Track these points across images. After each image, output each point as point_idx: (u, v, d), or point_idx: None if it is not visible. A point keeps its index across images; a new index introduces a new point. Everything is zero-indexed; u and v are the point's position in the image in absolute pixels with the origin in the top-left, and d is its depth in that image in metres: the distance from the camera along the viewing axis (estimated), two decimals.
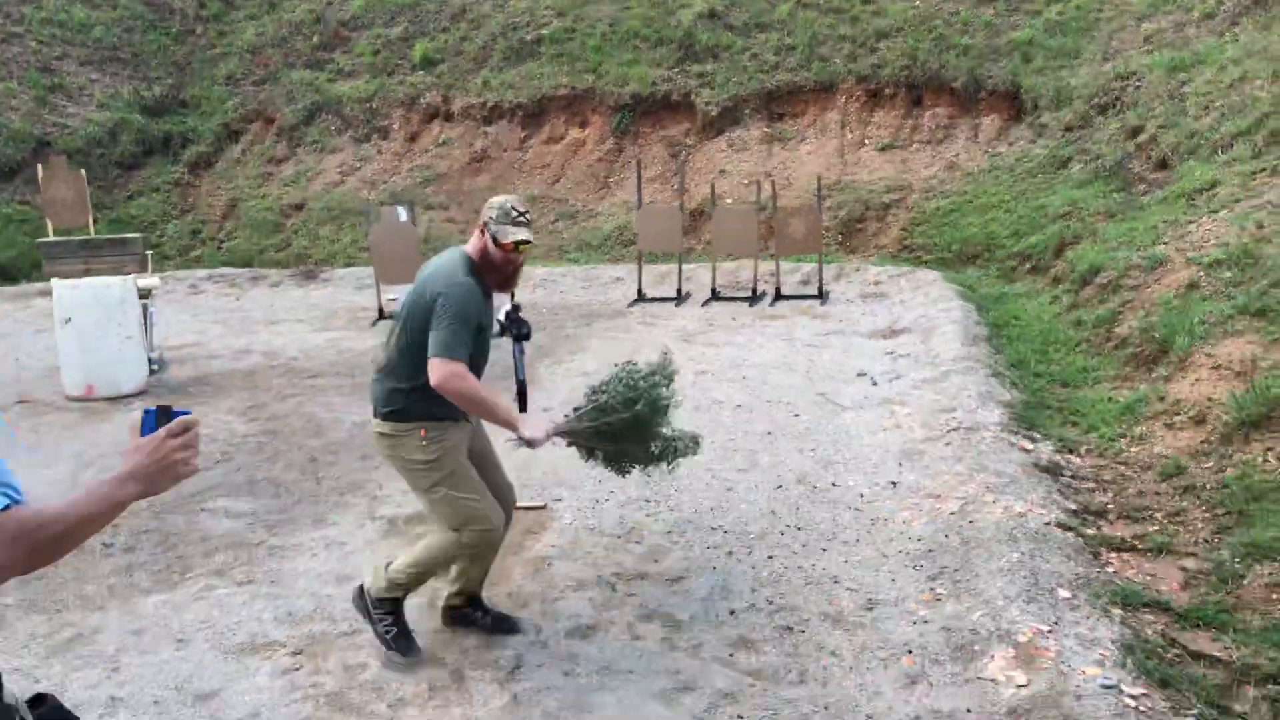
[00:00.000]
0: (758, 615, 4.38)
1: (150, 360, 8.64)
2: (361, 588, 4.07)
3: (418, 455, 3.84)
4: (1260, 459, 5.52)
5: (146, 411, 1.94)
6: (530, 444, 3.88)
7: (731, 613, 4.41)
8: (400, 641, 3.99)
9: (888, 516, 5.35)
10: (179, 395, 8.29)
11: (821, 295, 11.33)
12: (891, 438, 6.58)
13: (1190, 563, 4.84)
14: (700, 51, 16.07)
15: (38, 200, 14.06)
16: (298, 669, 4.04)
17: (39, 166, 12.71)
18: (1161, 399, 6.62)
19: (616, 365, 4.43)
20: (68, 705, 3.76)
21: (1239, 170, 9.23)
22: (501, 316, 4.34)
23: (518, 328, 4.36)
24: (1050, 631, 3.99)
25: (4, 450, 7.02)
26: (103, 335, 8.06)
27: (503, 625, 4.26)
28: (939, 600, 4.40)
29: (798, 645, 4.12)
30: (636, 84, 15.85)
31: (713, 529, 5.27)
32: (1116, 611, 4.24)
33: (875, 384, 7.83)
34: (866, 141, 14.74)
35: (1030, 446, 6.23)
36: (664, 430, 4.39)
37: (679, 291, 11.77)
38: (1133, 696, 3.55)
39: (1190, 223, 8.78)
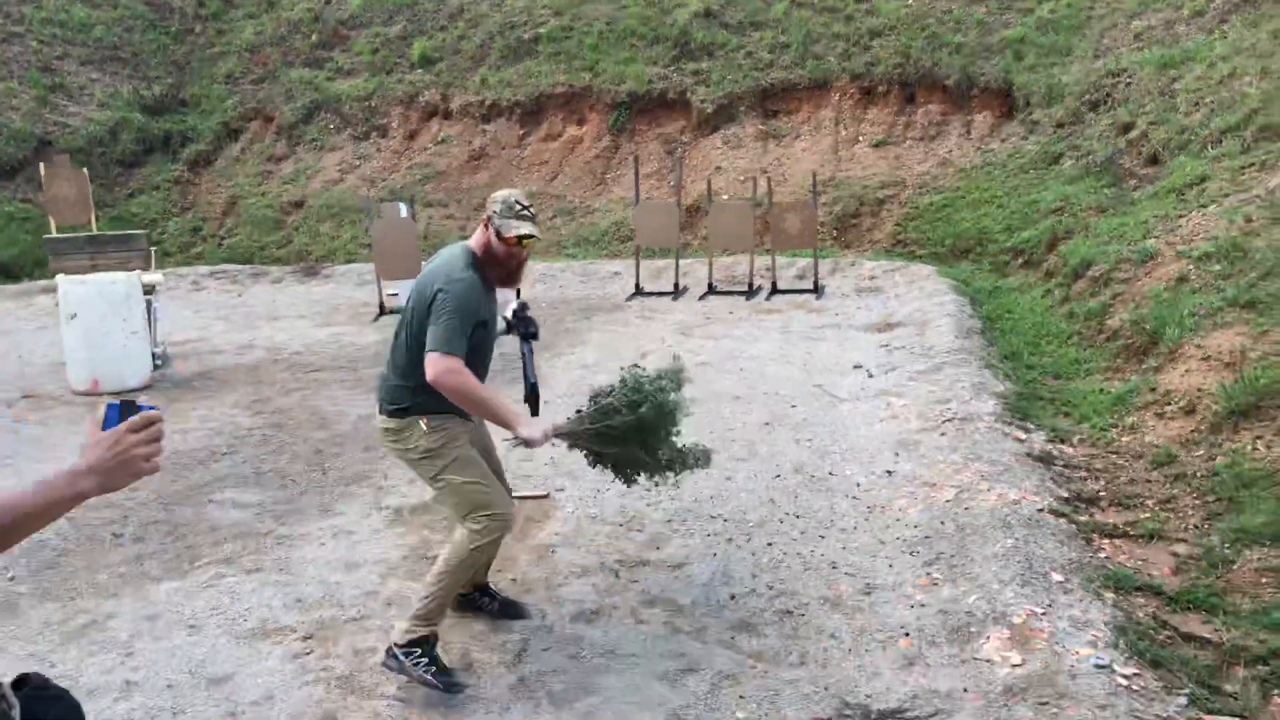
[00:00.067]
0: (758, 600, 4.48)
1: (154, 355, 8.72)
2: (389, 649, 3.82)
3: (421, 443, 3.84)
4: (1249, 447, 5.63)
5: (109, 405, 1.90)
6: (528, 444, 3.84)
7: (732, 597, 4.51)
8: (444, 678, 3.76)
9: (884, 504, 5.46)
10: (183, 390, 8.38)
11: (817, 290, 11.44)
12: (887, 428, 6.69)
13: (1181, 548, 4.95)
14: (696, 50, 16.17)
15: (39, 198, 14.14)
16: (308, 653, 4.13)
17: (41, 165, 12.79)
18: (1152, 389, 6.73)
19: (623, 368, 4.34)
20: (83, 689, 3.88)
21: (1228, 165, 9.34)
22: (509, 314, 4.31)
23: (525, 326, 4.31)
24: (1044, 614, 4.09)
25: (4, 440, 7.12)
26: (108, 330, 8.14)
27: (510, 610, 4.36)
28: (935, 584, 4.51)
29: (797, 628, 4.22)
30: (633, 82, 15.94)
31: (712, 517, 5.37)
32: (1109, 595, 4.35)
33: (871, 376, 7.94)
34: (860, 138, 14.85)
35: (1024, 436, 6.34)
36: (674, 439, 4.29)
37: (676, 286, 11.87)
38: (1125, 676, 3.66)
39: (1180, 217, 8.89)
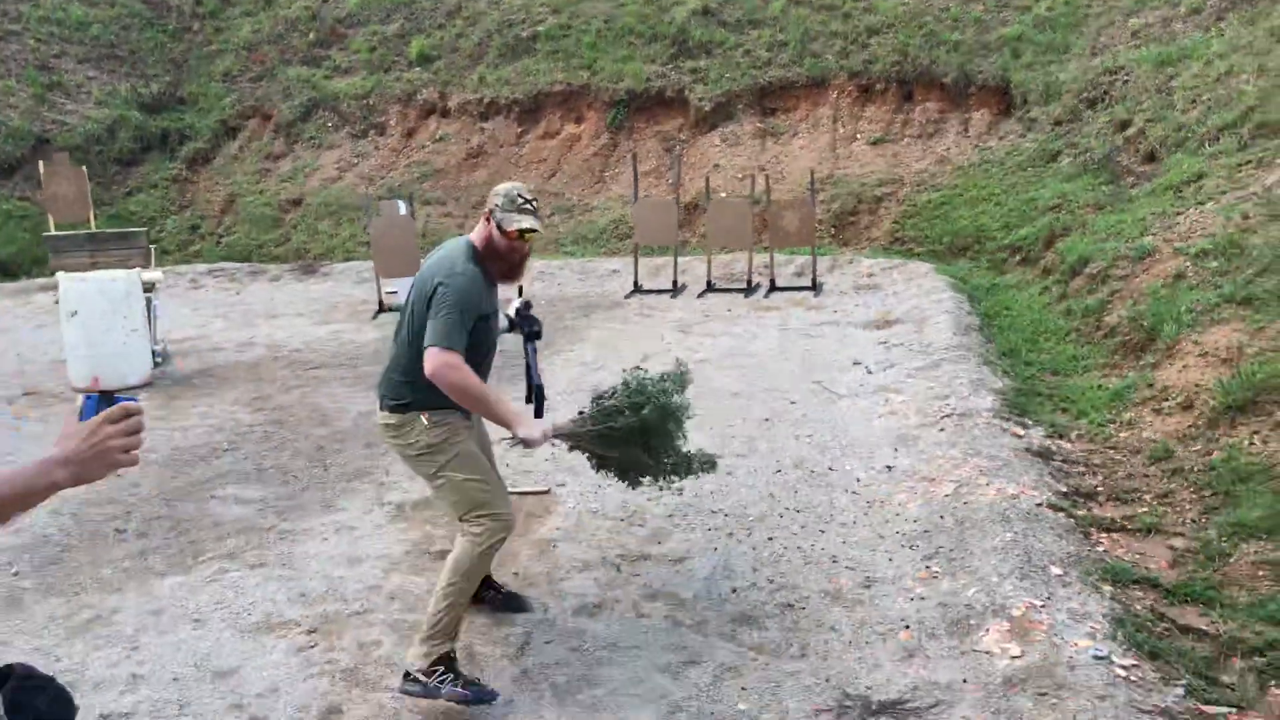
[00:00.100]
0: (759, 593, 4.51)
1: (154, 353, 8.74)
2: (407, 675, 3.66)
3: (421, 439, 3.78)
4: (1246, 442, 5.67)
5: (87, 398, 1.88)
6: (526, 444, 3.78)
7: (733, 591, 4.54)
8: (476, 690, 3.65)
9: (884, 499, 5.49)
10: (184, 387, 8.40)
11: (815, 287, 11.46)
12: (886, 424, 6.72)
13: (1178, 542, 4.99)
14: (694, 48, 16.19)
15: (38, 196, 14.15)
16: (313, 646, 4.16)
17: (40, 163, 12.80)
18: (1150, 385, 6.76)
19: (625, 370, 4.29)
20: (89, 683, 3.90)
21: (1225, 163, 9.37)
22: (511, 313, 4.25)
23: (528, 325, 4.23)
24: (1043, 606, 4.13)
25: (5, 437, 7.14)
26: (108, 328, 8.15)
27: (512, 604, 4.38)
28: (935, 578, 4.54)
29: (798, 621, 4.25)
30: (631, 80, 15.96)
31: (713, 512, 5.39)
32: (1107, 588, 4.38)
33: (870, 372, 7.97)
34: (858, 136, 14.88)
35: (1022, 432, 6.37)
36: (679, 443, 4.24)
37: (675, 283, 11.89)
38: (1123, 667, 3.69)
39: (1178, 214, 8.93)
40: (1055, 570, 4.46)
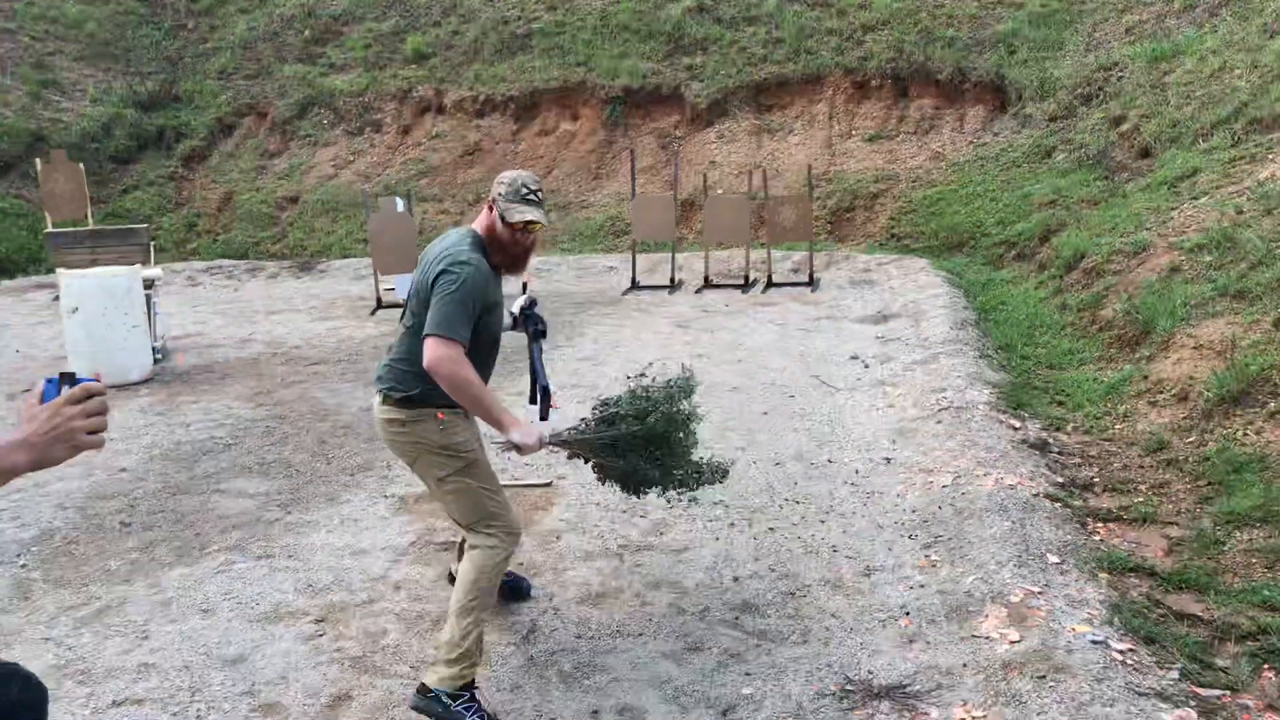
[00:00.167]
0: (760, 582, 4.57)
1: (154, 349, 8.78)
2: (425, 691, 3.53)
3: (435, 438, 3.63)
4: (1240, 433, 5.74)
5: (48, 380, 1.83)
6: (520, 450, 3.61)
7: (735, 580, 4.60)
8: None
9: (883, 490, 5.56)
10: (184, 383, 8.43)
11: (812, 282, 11.53)
12: (884, 417, 6.79)
13: (1173, 531, 5.06)
14: (689, 44, 16.26)
15: (34, 194, 14.17)
16: (321, 635, 4.21)
17: (37, 160, 12.82)
18: (1145, 378, 6.83)
19: (630, 377, 4.18)
20: (101, 671, 3.95)
21: (1219, 158, 9.46)
22: (515, 311, 4.10)
23: (533, 324, 4.09)
24: (1041, 593, 4.19)
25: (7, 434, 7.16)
26: (110, 324, 8.18)
27: (515, 591, 4.40)
28: (934, 566, 4.60)
29: (800, 609, 4.31)
30: (627, 77, 16.02)
31: (714, 503, 5.44)
32: (1103, 575, 4.45)
33: (867, 366, 8.03)
34: (854, 132, 14.95)
35: (1019, 424, 6.44)
36: (687, 452, 4.09)
37: (673, 279, 11.94)
38: (1120, 651, 3.75)
39: (1172, 209, 9.01)
40: (1053, 558, 4.52)
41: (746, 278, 11.80)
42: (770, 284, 11.66)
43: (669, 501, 4.42)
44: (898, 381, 7.52)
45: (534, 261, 13.02)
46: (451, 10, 18.03)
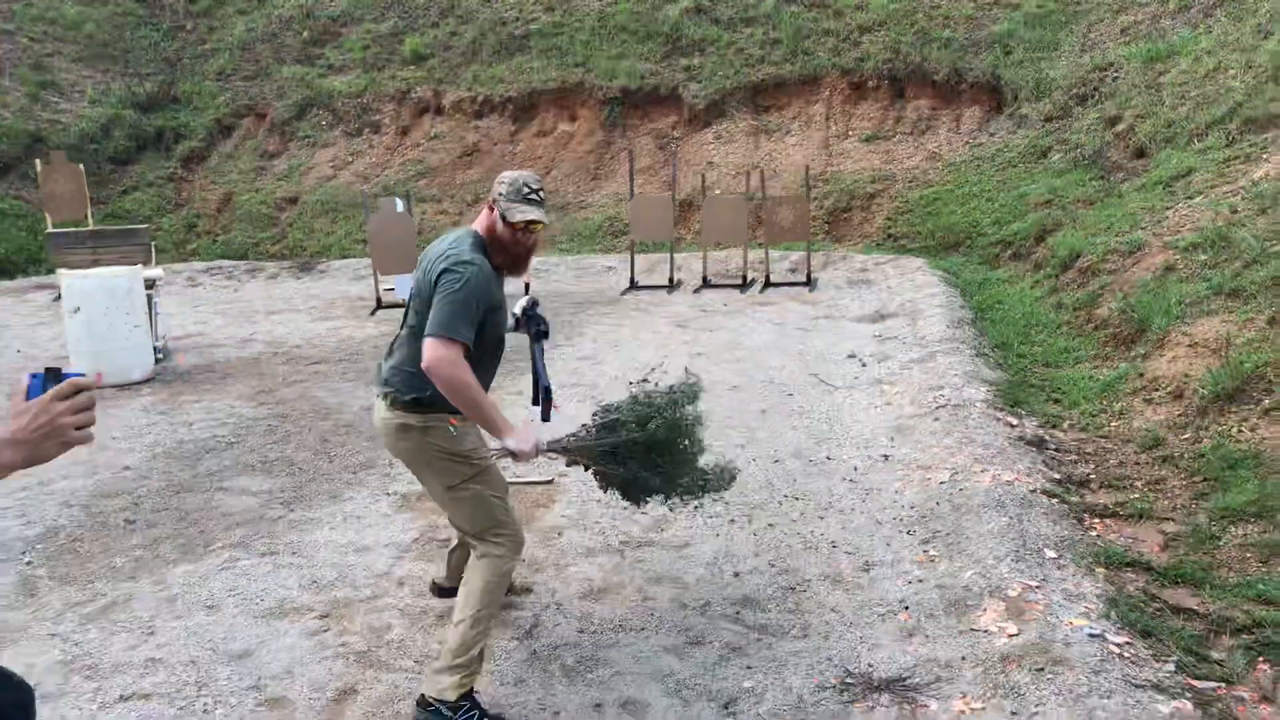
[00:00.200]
0: (760, 577, 4.62)
1: (155, 349, 8.81)
2: (425, 703, 3.51)
3: (448, 445, 3.55)
4: (1235, 429, 5.79)
5: (33, 376, 1.78)
6: (515, 457, 3.54)
7: (736, 575, 4.64)
8: None
9: (881, 487, 5.61)
10: (186, 383, 8.47)
11: (810, 282, 11.58)
12: (882, 414, 6.84)
13: (1169, 526, 5.11)
14: (687, 45, 16.31)
15: (33, 195, 14.19)
16: (326, 630, 4.25)
17: (37, 161, 12.85)
18: (1140, 376, 6.89)
19: (633, 383, 4.11)
20: (109, 666, 3.98)
21: (1214, 158, 9.52)
22: (517, 312, 4.04)
23: (535, 325, 4.03)
24: (1038, 587, 4.24)
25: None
26: (111, 324, 8.22)
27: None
28: (932, 561, 4.65)
29: (800, 603, 4.36)
30: (624, 77, 16.07)
31: (714, 500, 5.48)
32: (1100, 570, 4.50)
33: (864, 365, 8.08)
34: (851, 133, 15.01)
35: (1015, 422, 6.49)
36: (694, 460, 3.99)
37: (671, 279, 11.99)
38: (1117, 644, 3.80)
39: (1167, 208, 9.07)
40: (1050, 553, 4.57)
41: (744, 277, 11.85)
42: (768, 284, 11.71)
43: (671, 509, 4.39)
44: (895, 380, 7.57)
45: (533, 262, 13.06)
46: (449, 11, 18.07)
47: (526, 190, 3.55)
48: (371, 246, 11.44)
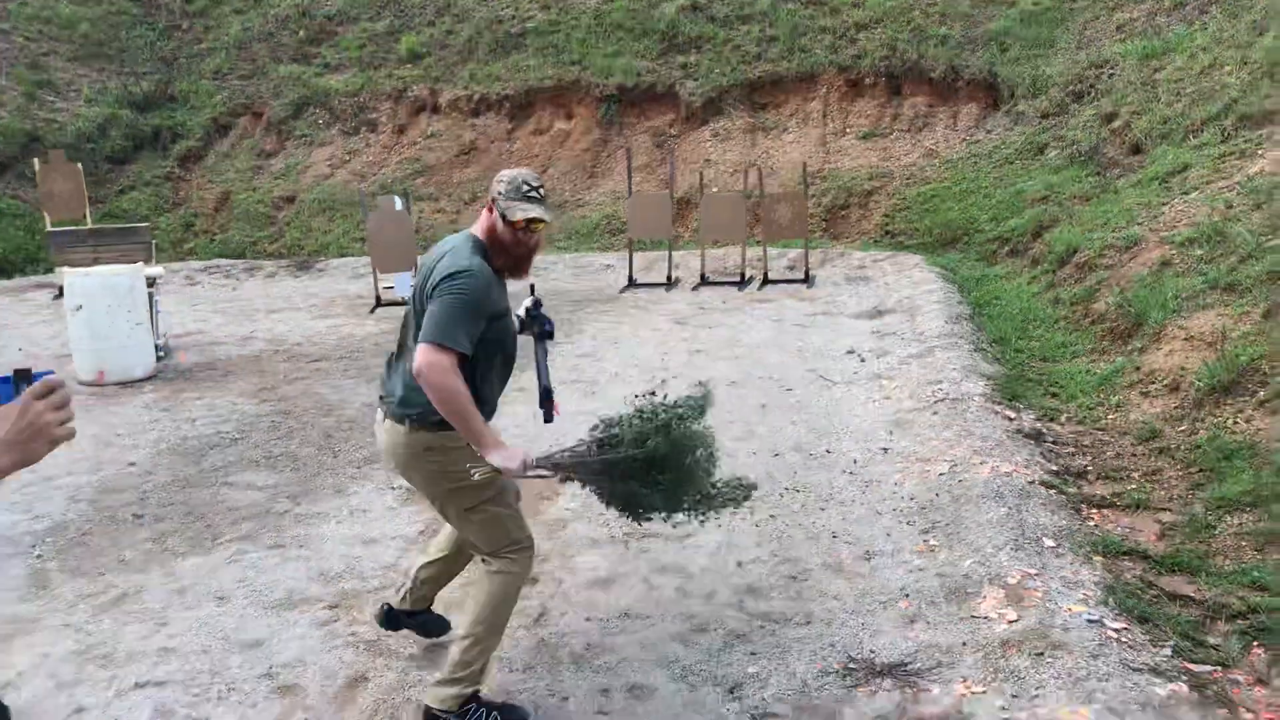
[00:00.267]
0: (763, 566, 4.68)
1: (156, 347, 8.85)
2: (430, 714, 3.47)
3: (468, 467, 3.39)
4: (1230, 421, 5.86)
5: (2, 380, 1.78)
6: (499, 474, 3.38)
7: (739, 564, 4.70)
8: (506, 709, 3.53)
9: (881, 479, 5.67)
10: (188, 380, 8.51)
11: (808, 279, 11.64)
12: (881, 408, 6.90)
13: (1166, 516, 5.18)
14: (683, 43, 16.37)
15: (30, 194, 14.22)
16: (335, 620, 4.31)
17: (36, 160, 12.88)
18: (1137, 369, 6.96)
19: (637, 396, 3.89)
20: (122, 655, 4.03)
21: (1209, 154, 9.59)
22: (521, 312, 3.90)
23: (539, 325, 3.92)
24: (1037, 575, 4.30)
25: None
26: (113, 322, 8.26)
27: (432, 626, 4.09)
28: (932, 550, 4.72)
29: (802, 591, 4.42)
30: (621, 75, 16.13)
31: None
32: (1098, 559, 4.56)
33: (863, 360, 8.14)
34: (848, 130, 15.08)
35: (1013, 415, 6.56)
36: (703, 477, 3.71)
37: (669, 277, 12.05)
38: (1114, 630, 3.87)
39: (1163, 204, 9.14)
40: (1048, 542, 4.63)
41: (743, 275, 11.91)
42: (766, 281, 11.77)
43: (674, 526, 4.26)
44: (894, 375, 7.64)
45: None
46: (445, 10, 18.12)
47: (526, 188, 3.42)
48: (370, 245, 11.49)
